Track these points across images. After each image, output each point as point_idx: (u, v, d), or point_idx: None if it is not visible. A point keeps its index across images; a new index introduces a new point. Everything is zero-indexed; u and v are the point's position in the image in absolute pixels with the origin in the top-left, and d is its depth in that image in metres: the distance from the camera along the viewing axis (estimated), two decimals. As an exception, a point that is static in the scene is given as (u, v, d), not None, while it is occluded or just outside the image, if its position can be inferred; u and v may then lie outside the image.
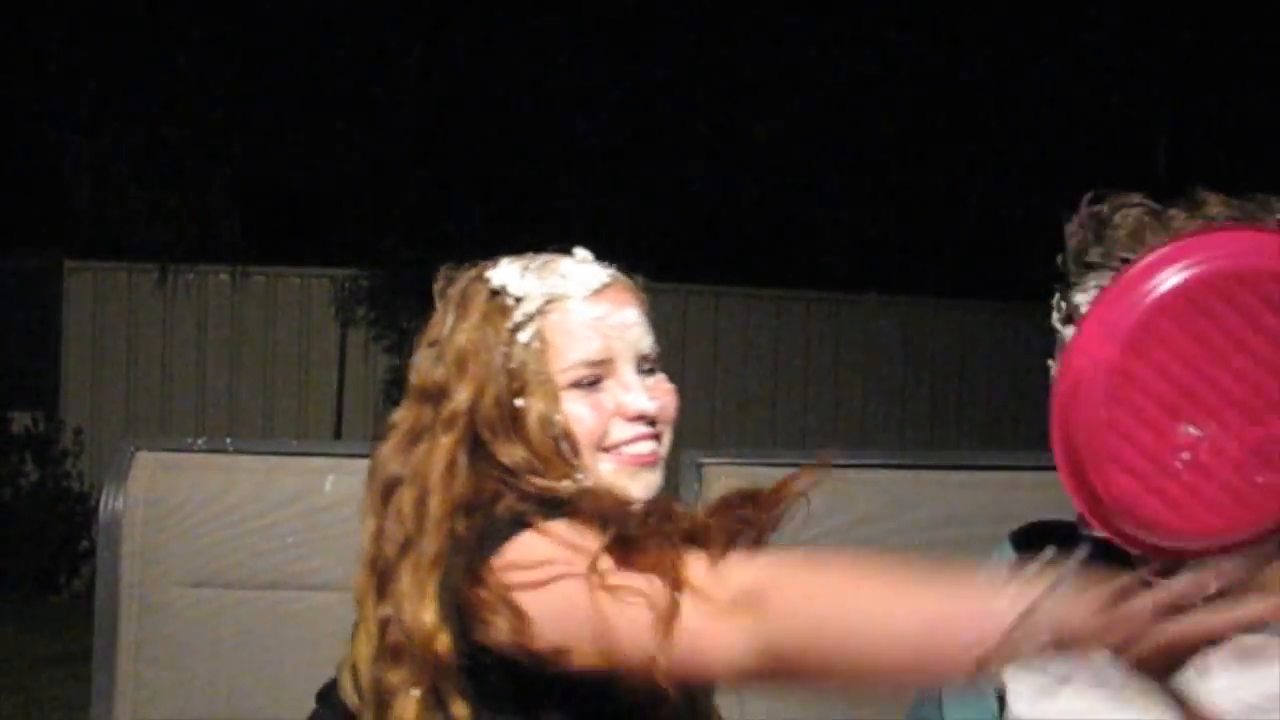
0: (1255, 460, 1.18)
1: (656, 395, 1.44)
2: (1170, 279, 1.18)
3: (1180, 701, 1.09)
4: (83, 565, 7.38)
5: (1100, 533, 1.24)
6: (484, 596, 1.28)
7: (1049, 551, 1.08)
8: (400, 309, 7.72)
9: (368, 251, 8.11)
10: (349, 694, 1.38)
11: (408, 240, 7.89)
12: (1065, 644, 1.04)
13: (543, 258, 1.47)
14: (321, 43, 8.54)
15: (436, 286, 1.48)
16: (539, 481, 1.36)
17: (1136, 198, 1.25)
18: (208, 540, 1.99)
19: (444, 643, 1.31)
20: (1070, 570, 1.06)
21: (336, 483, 1.99)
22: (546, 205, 8.09)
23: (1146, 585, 1.21)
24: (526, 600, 1.27)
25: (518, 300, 1.41)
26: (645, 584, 1.23)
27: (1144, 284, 1.18)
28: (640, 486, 1.43)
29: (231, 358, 8.17)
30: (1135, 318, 1.18)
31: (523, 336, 1.40)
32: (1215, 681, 1.25)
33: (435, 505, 1.35)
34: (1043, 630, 1.03)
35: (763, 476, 1.88)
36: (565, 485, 1.37)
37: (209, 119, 8.26)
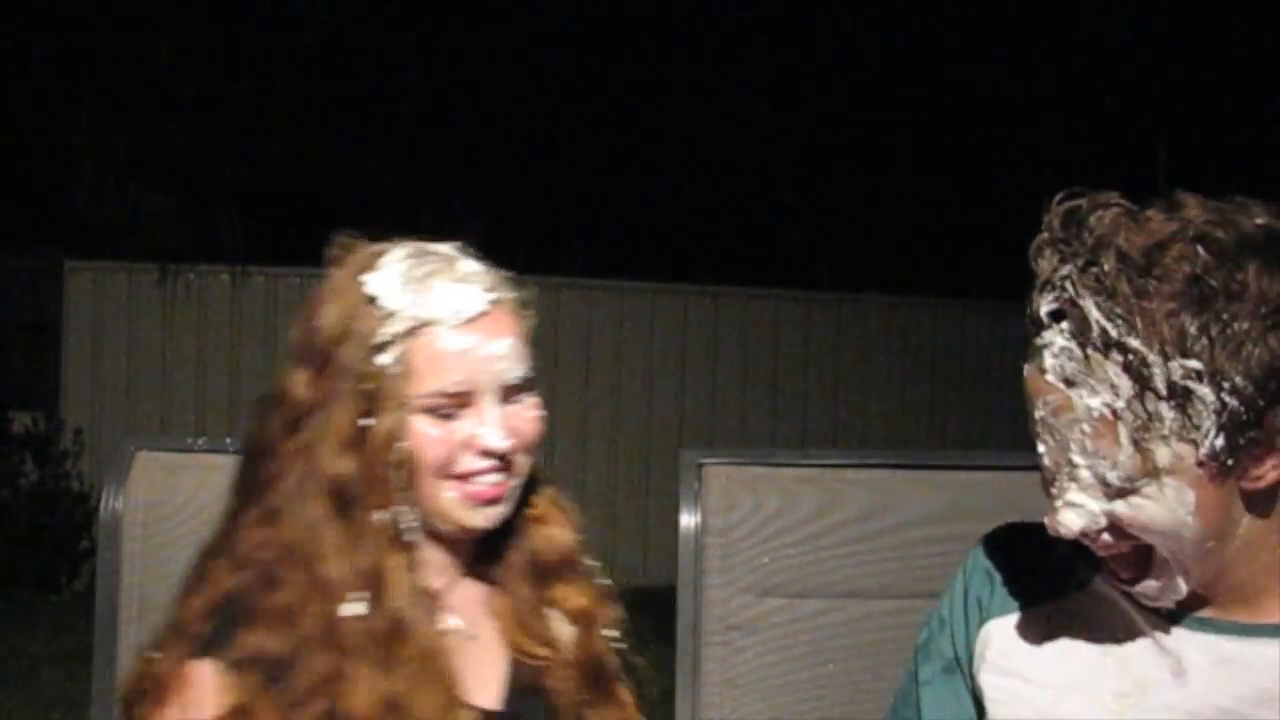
0: None
1: (516, 425, 1.41)
2: None
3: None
4: (83, 565, 7.37)
5: (1071, 534, 1.24)
6: None
7: None
8: (400, 309, 7.71)
9: (367, 252, 8.09)
10: None
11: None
12: None
13: (432, 261, 1.44)
14: (321, 43, 8.54)
15: (329, 253, 1.47)
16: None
17: (1114, 197, 1.22)
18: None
19: None
20: None
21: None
22: (546, 205, 8.09)
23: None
24: None
25: (387, 316, 1.39)
26: None
27: None
28: (482, 518, 1.42)
29: (231, 358, 8.16)
30: None
31: (383, 359, 1.38)
32: (1191, 685, 1.25)
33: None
34: None
35: (763, 476, 1.89)
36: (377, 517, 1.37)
37: (209, 119, 8.25)
